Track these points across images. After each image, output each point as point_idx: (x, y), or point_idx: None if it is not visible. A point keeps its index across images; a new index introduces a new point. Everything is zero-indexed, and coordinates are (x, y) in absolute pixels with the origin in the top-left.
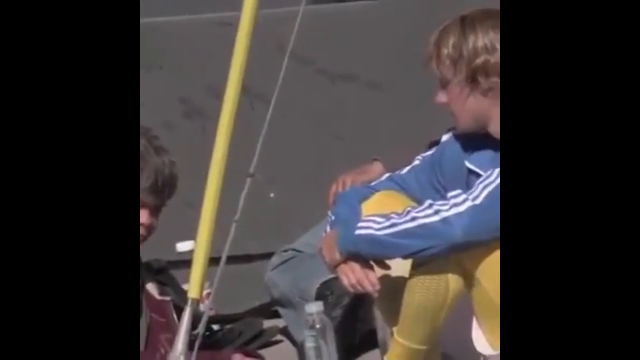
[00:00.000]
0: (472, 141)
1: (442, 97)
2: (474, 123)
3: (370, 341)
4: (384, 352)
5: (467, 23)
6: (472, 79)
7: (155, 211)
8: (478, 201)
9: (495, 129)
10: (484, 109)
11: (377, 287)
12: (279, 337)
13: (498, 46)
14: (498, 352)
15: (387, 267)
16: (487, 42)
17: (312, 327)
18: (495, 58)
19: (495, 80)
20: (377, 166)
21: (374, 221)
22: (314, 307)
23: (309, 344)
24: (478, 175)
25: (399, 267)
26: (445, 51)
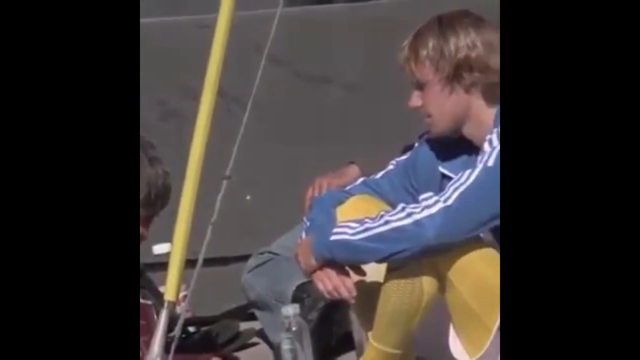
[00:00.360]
0: (445, 146)
1: (416, 101)
2: (452, 124)
3: (346, 344)
4: (359, 355)
5: (445, 24)
6: (455, 75)
7: (146, 222)
8: (449, 202)
9: (469, 130)
10: (465, 107)
11: (354, 293)
12: (255, 339)
13: (479, 44)
14: (474, 358)
15: (363, 273)
16: (468, 41)
17: (288, 329)
18: (477, 53)
19: (478, 75)
20: (353, 169)
21: (349, 227)
22: (291, 310)
23: (285, 347)
24: (451, 180)
25: (374, 271)
26: (424, 52)
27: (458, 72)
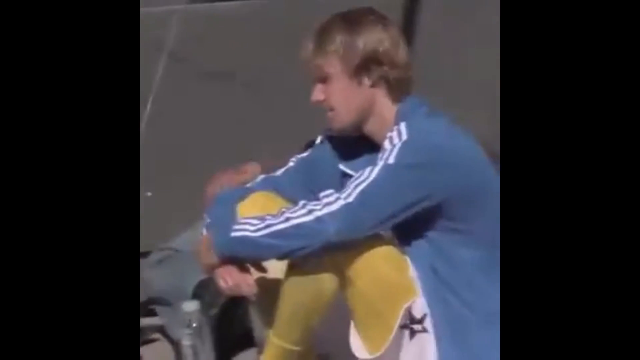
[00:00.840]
0: (346, 144)
1: (319, 95)
2: (355, 117)
3: (247, 341)
4: (260, 351)
5: (351, 20)
6: (363, 68)
7: None
8: (350, 199)
9: (371, 127)
10: (370, 101)
11: (255, 290)
12: (155, 335)
13: (386, 38)
14: (374, 356)
15: (264, 270)
16: (375, 36)
17: (189, 325)
18: (384, 47)
19: (387, 69)
20: (254, 166)
21: (249, 223)
22: (191, 306)
23: (186, 343)
24: (351, 177)
25: (276, 268)
26: (331, 47)
27: (366, 65)
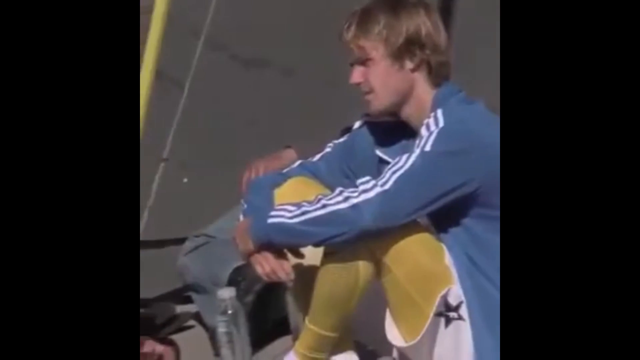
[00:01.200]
0: (383, 130)
1: (358, 77)
2: (395, 99)
3: (283, 327)
4: (295, 338)
5: (393, 3)
6: (406, 51)
7: None
8: (387, 186)
9: (409, 111)
10: (410, 84)
11: (292, 276)
12: (191, 322)
13: (428, 22)
14: (410, 343)
15: (301, 256)
16: (419, 19)
17: (224, 312)
18: (427, 30)
19: (429, 52)
20: (290, 153)
21: (286, 209)
22: (227, 293)
23: (221, 330)
24: (389, 164)
25: (312, 255)
26: (375, 28)
27: (409, 48)
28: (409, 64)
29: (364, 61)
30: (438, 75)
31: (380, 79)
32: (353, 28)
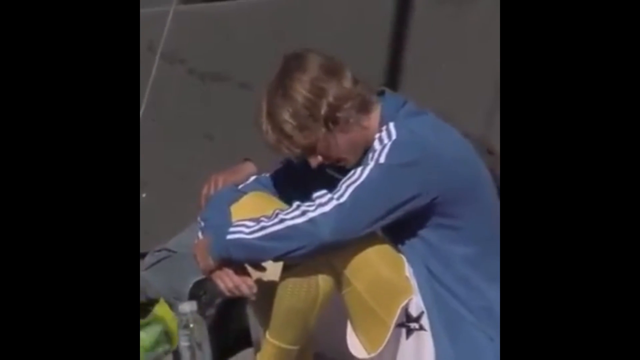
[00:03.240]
0: None
1: (317, 160)
2: (361, 151)
3: (244, 341)
4: (257, 351)
5: (281, 92)
6: (332, 122)
7: None
8: (343, 199)
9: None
10: (360, 132)
11: (255, 289)
12: None
13: (322, 84)
14: (372, 355)
15: (263, 269)
16: (311, 90)
17: (186, 326)
18: (331, 92)
19: (348, 106)
20: (249, 166)
21: (245, 225)
22: (188, 307)
23: (183, 343)
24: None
25: (272, 269)
26: (288, 127)
27: (333, 118)
28: (343, 124)
29: (310, 150)
30: (367, 103)
31: (334, 152)
32: (270, 134)
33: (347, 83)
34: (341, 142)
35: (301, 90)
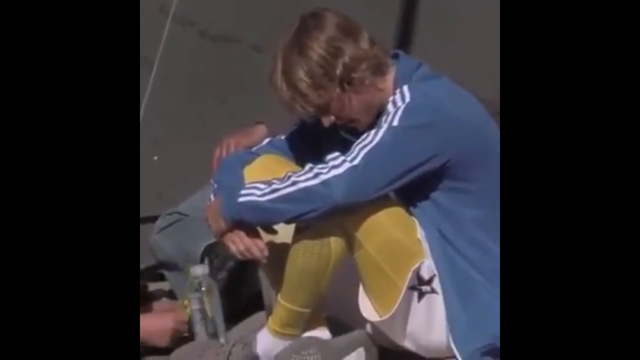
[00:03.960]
0: None
1: (327, 121)
2: (374, 113)
3: (256, 304)
4: (269, 314)
5: (296, 50)
6: (347, 82)
7: None
8: (356, 162)
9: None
10: (373, 93)
11: (266, 252)
12: (164, 300)
13: (339, 44)
14: (383, 318)
15: (274, 232)
16: (327, 49)
17: (197, 289)
18: (347, 52)
19: (363, 67)
20: (261, 129)
21: (257, 187)
22: (199, 270)
23: (195, 307)
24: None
25: (284, 232)
26: (303, 85)
27: (346, 78)
28: (358, 85)
29: (324, 109)
30: (381, 65)
31: (346, 112)
32: (285, 92)
33: (364, 44)
34: (355, 103)
35: (317, 48)
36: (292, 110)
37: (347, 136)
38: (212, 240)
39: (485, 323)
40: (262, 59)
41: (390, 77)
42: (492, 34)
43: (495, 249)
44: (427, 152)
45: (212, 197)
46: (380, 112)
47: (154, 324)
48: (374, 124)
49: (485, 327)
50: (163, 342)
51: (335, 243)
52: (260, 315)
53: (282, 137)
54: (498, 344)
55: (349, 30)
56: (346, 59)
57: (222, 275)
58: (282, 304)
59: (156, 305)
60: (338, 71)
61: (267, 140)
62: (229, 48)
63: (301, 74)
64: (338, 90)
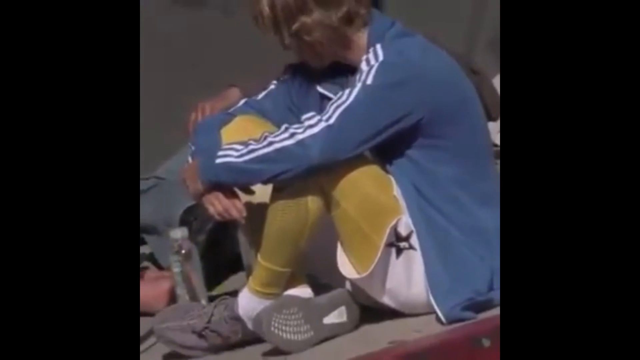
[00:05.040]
0: (323, 70)
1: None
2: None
3: (236, 265)
4: (249, 275)
5: None
6: (299, 38)
7: None
8: (331, 121)
9: (351, 56)
10: (322, 52)
11: (244, 213)
12: (145, 263)
13: (311, 5)
14: (362, 275)
15: (252, 193)
16: (296, 2)
17: (177, 252)
18: (312, 19)
19: (317, 35)
20: (235, 92)
21: (233, 149)
22: (179, 233)
23: (176, 269)
24: (330, 99)
25: (262, 192)
26: (264, 13)
27: (299, 37)
28: (306, 42)
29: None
30: (361, 19)
31: (301, 54)
32: (270, 32)
33: (333, 16)
34: (306, 52)
35: None
36: (271, 35)
37: (324, 92)
38: (191, 203)
39: (465, 278)
40: (232, 21)
41: (363, 35)
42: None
43: (474, 207)
44: (401, 110)
45: (189, 159)
46: (354, 70)
47: (150, 291)
48: (349, 82)
49: (465, 282)
50: (160, 306)
51: (312, 202)
52: (240, 276)
53: (258, 98)
54: (478, 298)
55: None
56: (305, 20)
57: (202, 237)
58: (262, 264)
59: (146, 274)
60: (294, 26)
61: (243, 101)
62: (199, 11)
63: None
64: (289, 39)
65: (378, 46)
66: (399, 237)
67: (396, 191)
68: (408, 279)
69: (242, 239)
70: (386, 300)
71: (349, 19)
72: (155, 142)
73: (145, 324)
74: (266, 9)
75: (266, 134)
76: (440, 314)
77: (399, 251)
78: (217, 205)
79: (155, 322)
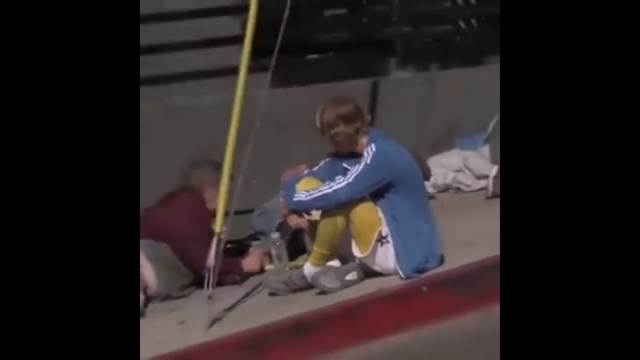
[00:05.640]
0: (345, 155)
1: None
2: (349, 150)
3: (302, 250)
4: (309, 255)
5: (322, 112)
6: (333, 139)
7: None
8: (349, 181)
9: (359, 149)
10: (344, 145)
11: (307, 225)
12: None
13: (339, 121)
14: (364, 255)
15: (311, 215)
16: (334, 119)
17: (275, 244)
18: (340, 130)
19: (342, 138)
20: (302, 166)
21: (302, 194)
22: (276, 235)
23: (273, 252)
24: (349, 170)
25: (316, 215)
26: (317, 125)
27: (331, 134)
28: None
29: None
30: (363, 129)
31: (335, 145)
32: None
33: (350, 127)
34: (335, 145)
35: (329, 116)
36: (324, 135)
37: (346, 166)
38: (281, 219)
39: (414, 256)
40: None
41: (364, 138)
42: (413, 131)
43: (417, 221)
44: (381, 177)
45: (280, 199)
46: (361, 154)
47: (253, 257)
48: (358, 162)
49: (414, 258)
50: (257, 267)
51: (340, 220)
52: (304, 256)
53: (315, 169)
54: (420, 266)
55: (348, 117)
56: (336, 130)
57: (287, 237)
58: (316, 249)
59: (251, 250)
60: (331, 132)
61: (307, 170)
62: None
63: (317, 119)
64: (329, 139)
65: (372, 144)
66: (381, 237)
67: (380, 214)
68: (386, 257)
69: (306, 237)
70: (376, 267)
71: (358, 130)
72: (262, 191)
73: (254, 280)
74: (318, 123)
75: (320, 187)
76: (401, 274)
77: (382, 243)
78: (294, 221)
79: (262, 278)
